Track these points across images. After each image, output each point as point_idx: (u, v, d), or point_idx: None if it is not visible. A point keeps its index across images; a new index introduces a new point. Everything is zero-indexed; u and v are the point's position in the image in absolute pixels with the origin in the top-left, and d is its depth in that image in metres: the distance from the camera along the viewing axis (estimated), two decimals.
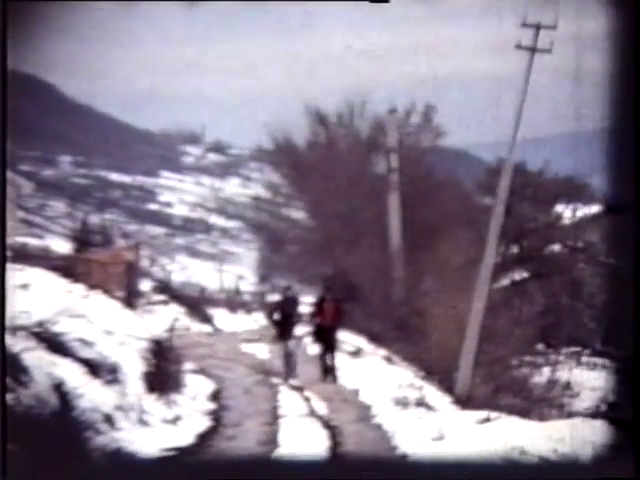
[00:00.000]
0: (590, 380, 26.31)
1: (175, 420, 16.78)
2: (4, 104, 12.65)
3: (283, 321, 21.85)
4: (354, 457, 14.28)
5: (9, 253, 23.34)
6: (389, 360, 25.69)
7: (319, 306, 22.20)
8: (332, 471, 13.27)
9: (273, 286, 48.31)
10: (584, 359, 32.00)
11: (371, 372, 22.82)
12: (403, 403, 19.41)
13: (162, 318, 26.60)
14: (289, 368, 21.83)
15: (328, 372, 21.92)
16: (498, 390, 25.79)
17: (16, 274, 18.64)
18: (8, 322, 13.88)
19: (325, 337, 22.00)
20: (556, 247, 38.45)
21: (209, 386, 20.68)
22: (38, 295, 17.84)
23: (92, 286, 20.64)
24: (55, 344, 15.31)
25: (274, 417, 17.94)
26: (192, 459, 13.86)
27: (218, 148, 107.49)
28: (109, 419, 14.65)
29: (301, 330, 22.89)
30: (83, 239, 33.20)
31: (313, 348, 23.35)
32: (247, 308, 44.30)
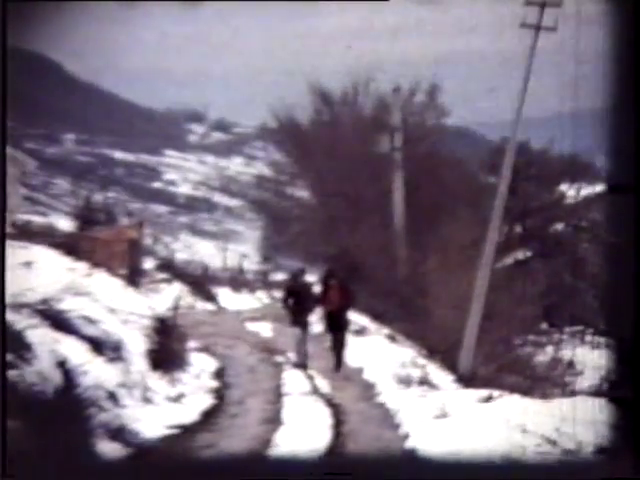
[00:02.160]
0: (593, 359, 26.29)
1: (179, 398, 16.84)
2: (4, 93, 12.65)
3: (297, 307, 20.79)
4: (351, 455, 14.27)
5: (13, 230, 23.42)
6: (392, 339, 25.73)
7: (325, 290, 21.19)
8: (328, 469, 13.27)
9: (276, 265, 48.40)
10: (587, 338, 32.01)
11: (374, 351, 22.81)
12: (406, 381, 19.45)
13: (166, 296, 26.66)
14: (302, 355, 20.84)
15: (337, 359, 20.88)
16: (501, 369, 25.80)
17: (20, 251, 18.67)
18: (12, 299, 13.91)
19: (333, 322, 20.96)
20: (560, 226, 38.45)
21: (213, 364, 20.73)
22: (42, 273, 17.86)
23: (96, 264, 20.64)
24: (59, 321, 15.34)
25: (277, 395, 17.99)
26: (193, 459, 13.85)
27: (222, 126, 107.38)
28: (113, 396, 14.69)
29: (315, 316, 21.85)
30: (87, 217, 33.23)
31: (319, 331, 22.61)
32: (250, 287, 44.39)
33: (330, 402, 17.40)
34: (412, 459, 13.55)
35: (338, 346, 20.87)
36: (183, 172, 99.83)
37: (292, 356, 21.51)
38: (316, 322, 22.26)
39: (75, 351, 14.55)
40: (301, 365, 20.68)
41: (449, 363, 24.62)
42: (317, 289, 22.19)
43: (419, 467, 13.33)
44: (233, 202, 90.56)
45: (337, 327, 20.91)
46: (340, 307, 20.89)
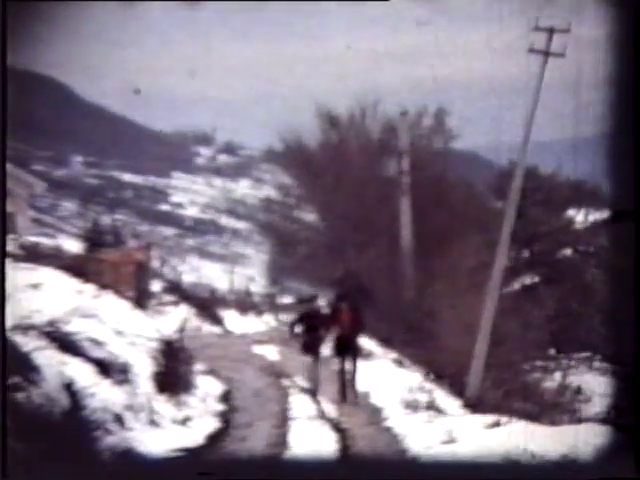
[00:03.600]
0: (601, 385, 26.19)
1: (185, 421, 16.79)
2: (4, 105, 12.68)
3: (308, 335, 19.89)
4: (361, 459, 14.23)
5: (21, 252, 23.42)
6: (399, 363, 25.65)
7: (335, 314, 20.23)
8: (340, 472, 13.23)
9: (283, 288, 48.34)
10: (595, 364, 31.89)
11: (381, 375, 22.73)
12: (413, 406, 19.36)
13: (172, 319, 26.62)
14: (313, 383, 20.08)
15: (348, 389, 19.94)
16: (509, 394, 25.66)
17: (28, 273, 18.68)
18: (19, 321, 13.90)
19: (344, 349, 19.95)
20: (567, 251, 38.35)
21: (219, 387, 20.69)
22: (49, 295, 17.86)
23: (103, 286, 20.65)
24: (66, 343, 15.33)
25: (284, 419, 17.93)
26: (200, 459, 13.83)
27: (229, 149, 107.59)
28: (119, 419, 14.66)
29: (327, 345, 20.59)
30: (94, 239, 33.22)
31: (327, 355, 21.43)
32: (257, 310, 44.31)
33: (337, 427, 17.33)
34: (412, 461, 13.52)
35: (350, 373, 20.04)
36: (191, 194, 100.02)
37: (300, 381, 21.41)
38: (325, 347, 21.93)
39: (82, 373, 14.53)
40: (312, 393, 20.11)
41: (456, 388, 24.52)
42: (327, 313, 21.49)
43: (420, 468, 13.28)
44: (240, 225, 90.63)
45: (347, 353, 20.05)
46: (351, 332, 20.08)
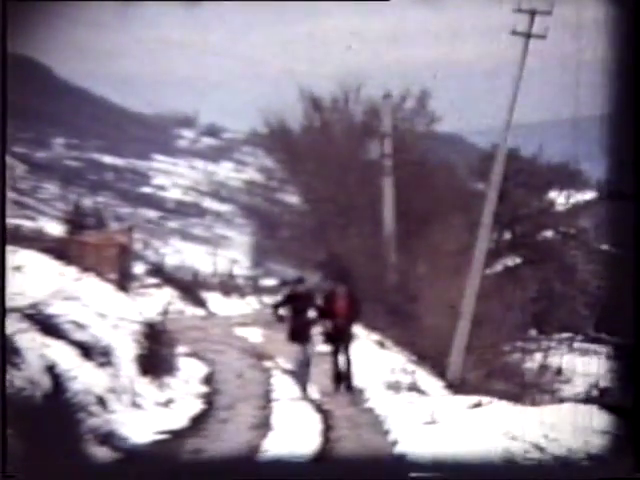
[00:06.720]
0: (582, 366, 26.38)
1: (168, 403, 16.82)
2: (4, 96, 12.63)
3: (294, 320, 18.25)
4: (342, 458, 14.21)
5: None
6: (381, 345, 25.72)
7: (330, 299, 18.81)
8: (319, 472, 13.22)
9: (266, 270, 48.37)
10: (576, 345, 32.10)
11: (363, 357, 22.76)
12: (395, 387, 19.44)
13: (155, 301, 26.63)
14: (304, 377, 18.36)
15: (342, 379, 18.86)
16: (490, 375, 25.83)
17: (9, 256, 18.61)
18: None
19: (338, 336, 18.66)
20: (549, 233, 38.53)
21: (202, 369, 20.72)
22: (31, 277, 17.82)
23: (85, 269, 20.63)
24: (48, 326, 15.31)
25: (267, 401, 17.97)
26: (181, 460, 13.81)
27: (212, 132, 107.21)
28: (102, 401, 14.67)
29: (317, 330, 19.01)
30: (76, 221, 33.15)
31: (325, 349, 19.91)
32: (240, 292, 44.34)
33: (319, 408, 17.39)
34: (407, 461, 13.51)
35: (346, 364, 18.87)
36: (173, 177, 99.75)
37: (282, 363, 21.44)
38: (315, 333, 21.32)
39: (64, 356, 14.52)
40: (302, 386, 18.42)
41: (438, 369, 24.63)
42: (312, 293, 19.86)
43: (415, 465, 13.29)
44: (223, 207, 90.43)
45: (342, 342, 18.75)
46: (348, 319, 18.77)
